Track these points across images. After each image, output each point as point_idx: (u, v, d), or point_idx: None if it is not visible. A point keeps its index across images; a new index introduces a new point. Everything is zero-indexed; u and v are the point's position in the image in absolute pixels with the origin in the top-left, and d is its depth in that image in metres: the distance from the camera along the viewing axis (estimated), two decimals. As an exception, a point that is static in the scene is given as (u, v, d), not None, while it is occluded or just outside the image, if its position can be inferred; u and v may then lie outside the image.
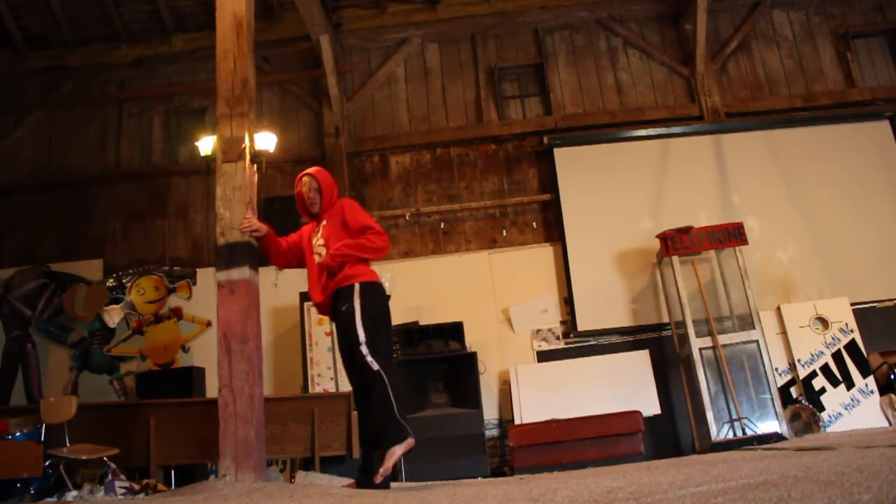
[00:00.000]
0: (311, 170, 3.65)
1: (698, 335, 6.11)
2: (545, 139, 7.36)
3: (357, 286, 3.35)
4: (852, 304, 6.49)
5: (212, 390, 6.08)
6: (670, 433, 6.46)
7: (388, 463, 3.11)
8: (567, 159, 7.31)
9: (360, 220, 3.47)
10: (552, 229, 7.19)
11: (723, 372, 6.01)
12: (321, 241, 3.50)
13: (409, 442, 3.15)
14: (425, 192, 7.43)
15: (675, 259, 6.32)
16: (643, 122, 7.49)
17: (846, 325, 6.36)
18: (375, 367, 3.18)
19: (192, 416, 5.12)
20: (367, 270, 3.45)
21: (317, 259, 3.50)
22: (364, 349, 3.22)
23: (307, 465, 5.33)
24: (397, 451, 3.13)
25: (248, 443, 3.37)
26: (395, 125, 7.67)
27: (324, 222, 3.56)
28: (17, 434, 4.51)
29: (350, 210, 3.51)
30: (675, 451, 6.27)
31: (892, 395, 6.05)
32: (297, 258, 3.72)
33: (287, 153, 7.45)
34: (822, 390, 6.21)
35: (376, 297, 3.40)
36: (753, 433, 5.69)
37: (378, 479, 3.09)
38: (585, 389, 6.32)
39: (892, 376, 6.16)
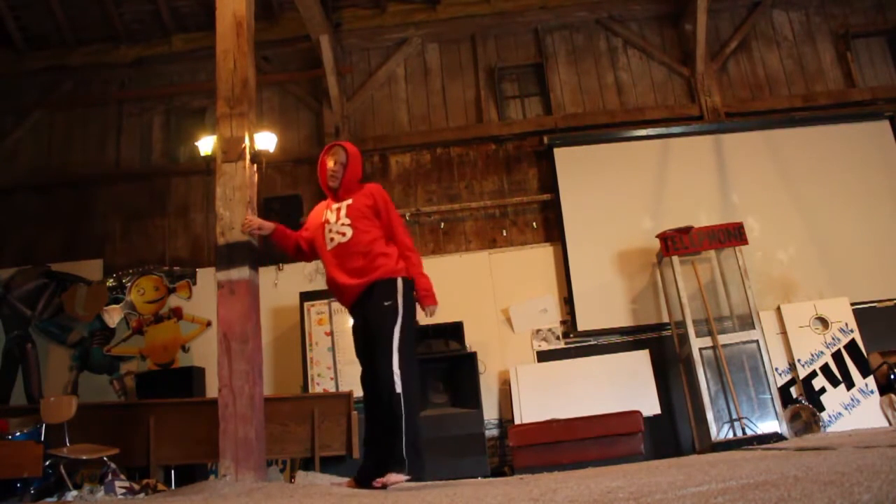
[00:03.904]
0: (342, 141, 3.52)
1: (698, 335, 6.11)
2: (545, 139, 7.36)
3: (400, 282, 3.25)
4: (852, 304, 6.49)
5: (212, 390, 6.09)
6: (670, 433, 6.46)
7: (385, 481, 2.98)
8: (567, 159, 7.30)
9: (397, 220, 3.41)
10: (552, 229, 7.19)
11: (723, 372, 6.01)
12: (346, 221, 3.31)
13: (403, 476, 3.00)
14: (425, 192, 7.43)
15: (675, 259, 6.32)
16: (643, 122, 7.49)
17: (846, 325, 6.37)
18: (399, 388, 3.04)
19: (192, 416, 5.12)
20: (401, 261, 3.34)
21: (337, 238, 3.32)
22: (395, 363, 3.07)
23: (307, 465, 5.33)
24: (393, 479, 2.98)
25: (248, 443, 3.37)
26: (395, 125, 7.67)
27: (347, 201, 3.38)
28: (17, 434, 4.50)
29: (385, 202, 3.40)
30: (675, 451, 6.27)
31: (892, 395, 6.05)
32: (304, 255, 3.61)
33: (287, 153, 7.45)
34: (822, 390, 6.21)
35: (411, 296, 3.29)
36: (753, 433, 5.69)
37: (377, 484, 2.99)
38: (585, 389, 6.32)
39: (892, 376, 6.16)
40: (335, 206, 3.42)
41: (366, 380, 3.32)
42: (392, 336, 3.13)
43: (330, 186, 3.46)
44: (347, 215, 3.34)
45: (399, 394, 3.05)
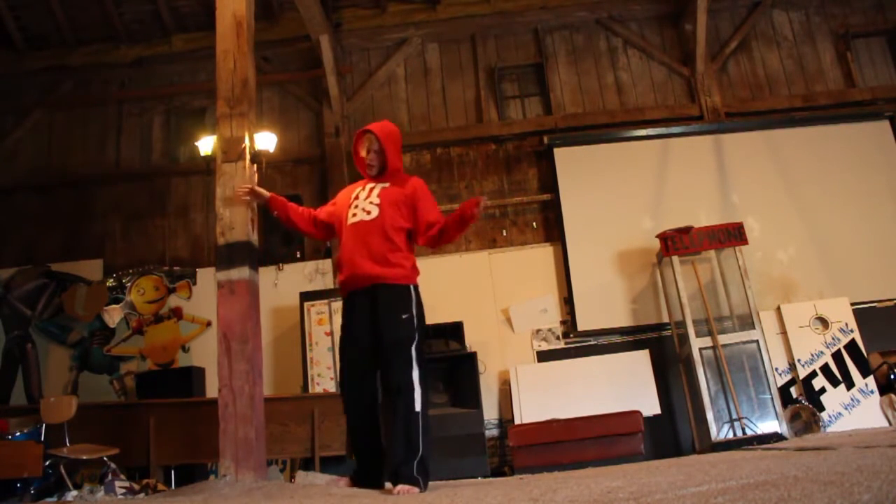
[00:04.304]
0: (373, 126, 3.32)
1: (698, 335, 6.11)
2: (545, 139, 7.36)
3: (413, 290, 3.17)
4: (852, 304, 6.49)
5: (212, 390, 6.08)
6: (670, 433, 6.46)
7: (400, 489, 2.85)
8: (567, 159, 7.30)
9: (432, 216, 3.21)
10: (552, 229, 7.19)
11: (723, 372, 6.01)
12: (375, 201, 3.18)
13: (416, 489, 2.88)
14: (425, 192, 7.42)
15: (675, 259, 6.32)
16: (643, 122, 7.49)
17: (846, 325, 6.37)
18: (418, 406, 2.98)
19: (192, 416, 5.12)
20: (416, 267, 3.23)
21: (360, 214, 3.18)
22: (416, 379, 3.02)
23: (307, 465, 5.33)
24: (407, 488, 2.85)
25: (248, 443, 3.37)
26: (394, 125, 7.65)
27: (384, 184, 3.25)
28: (17, 434, 4.50)
29: (424, 198, 3.23)
30: (675, 451, 6.27)
31: (892, 395, 6.05)
32: (321, 229, 3.45)
33: (287, 153, 7.45)
34: (822, 390, 6.21)
35: (422, 305, 3.20)
36: (753, 433, 5.69)
37: (394, 492, 2.85)
38: (585, 389, 6.32)
39: (892, 376, 6.16)
40: (369, 185, 3.31)
41: (358, 385, 3.20)
42: (412, 352, 3.08)
43: (370, 175, 3.35)
44: (378, 195, 3.21)
45: (418, 413, 2.99)
